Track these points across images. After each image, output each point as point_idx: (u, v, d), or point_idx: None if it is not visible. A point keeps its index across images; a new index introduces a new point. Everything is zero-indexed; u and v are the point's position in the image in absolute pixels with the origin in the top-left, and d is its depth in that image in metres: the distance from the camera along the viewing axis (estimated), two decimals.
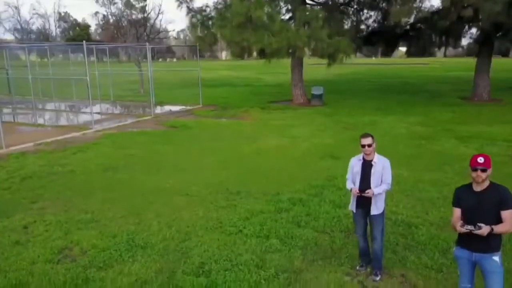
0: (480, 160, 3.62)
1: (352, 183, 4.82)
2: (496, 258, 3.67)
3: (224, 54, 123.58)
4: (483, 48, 20.11)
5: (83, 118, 17.89)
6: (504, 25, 14.92)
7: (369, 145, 4.65)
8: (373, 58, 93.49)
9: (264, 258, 5.34)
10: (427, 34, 20.09)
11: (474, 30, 21.12)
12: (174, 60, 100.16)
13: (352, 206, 4.95)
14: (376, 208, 4.75)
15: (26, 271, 5.11)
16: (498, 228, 3.54)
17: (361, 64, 60.20)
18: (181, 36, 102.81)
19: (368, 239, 5.04)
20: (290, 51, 19.47)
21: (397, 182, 8.26)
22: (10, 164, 10.08)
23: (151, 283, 4.81)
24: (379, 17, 21.21)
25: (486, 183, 3.67)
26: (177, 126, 15.04)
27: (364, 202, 4.77)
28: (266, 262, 5.26)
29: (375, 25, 21.53)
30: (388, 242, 5.74)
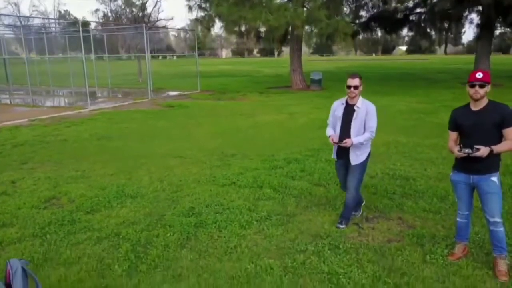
0: (479, 75, 3.36)
1: (332, 130, 4.41)
2: (495, 178, 3.46)
3: (224, 53, 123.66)
4: (483, 32, 19.93)
5: (79, 99, 17.70)
6: (504, 2, 14.70)
7: (356, 87, 4.16)
8: (373, 55, 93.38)
9: (256, 204, 5.18)
10: (427, 19, 19.86)
11: (474, 15, 20.94)
12: (174, 57, 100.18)
13: (333, 154, 4.55)
14: (356, 158, 4.32)
15: (11, 214, 4.96)
16: (499, 148, 3.34)
17: (361, 60, 60.12)
18: (181, 34, 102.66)
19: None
20: (289, 37, 19.36)
21: (395, 146, 8.15)
22: (2, 135, 9.94)
23: (139, 223, 4.65)
24: (379, 2, 21.03)
25: (485, 102, 3.43)
26: (173, 106, 14.89)
27: (342, 152, 4.39)
28: (259, 207, 5.10)
29: (375, 10, 21.32)
30: (385, 191, 5.59)
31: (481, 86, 3.36)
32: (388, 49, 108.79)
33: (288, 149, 8.01)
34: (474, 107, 3.48)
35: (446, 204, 5.09)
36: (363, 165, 4.37)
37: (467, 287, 3.36)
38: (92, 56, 20.47)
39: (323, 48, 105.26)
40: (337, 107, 4.37)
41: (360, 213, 4.84)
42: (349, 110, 4.25)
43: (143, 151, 8.15)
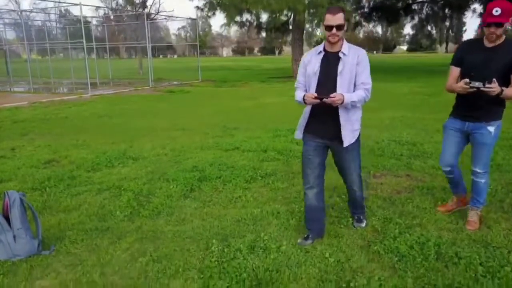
0: (496, 11, 2.81)
1: (303, 92, 2.88)
2: (491, 128, 3.06)
3: (225, 51, 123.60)
4: None
5: (80, 87, 17.55)
6: None
7: (339, 27, 2.66)
8: (375, 53, 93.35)
9: (261, 164, 5.07)
10: (429, 7, 19.74)
11: (476, 5, 20.80)
12: (175, 56, 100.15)
13: (299, 132, 3.07)
14: (351, 133, 2.85)
15: (9, 172, 4.84)
16: (509, 92, 2.86)
17: None
18: (182, 33, 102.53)
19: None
20: (290, 27, 19.22)
21: (400, 120, 8.04)
22: (1, 114, 9.82)
23: (141, 179, 4.54)
24: None
25: (501, 39, 2.95)
26: (174, 91, 14.79)
27: (324, 125, 2.88)
28: (263, 166, 4.99)
29: (377, 0, 21.21)
30: (392, 153, 5.48)
31: (498, 26, 2.86)
32: (389, 48, 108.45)
33: (292, 123, 7.84)
34: (488, 44, 3.00)
35: None
36: (359, 143, 2.99)
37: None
38: (93, 46, 20.31)
39: None
40: (311, 59, 2.85)
41: (312, 242, 3.02)
42: (330, 60, 2.79)
43: (144, 126, 8.03)
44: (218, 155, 5.53)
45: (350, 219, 3.42)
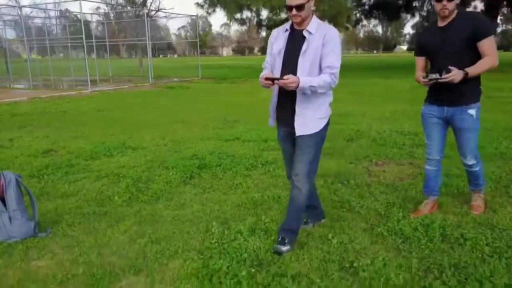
0: None
1: (270, 72, 2.66)
2: (472, 111, 2.86)
3: (225, 51, 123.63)
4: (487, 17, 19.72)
5: (80, 84, 17.48)
6: None
7: (299, 8, 2.38)
8: (375, 52, 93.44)
9: (261, 153, 5.01)
10: (430, 4, 19.66)
11: (477, 2, 20.74)
12: (175, 56, 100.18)
13: (271, 119, 2.87)
14: (310, 122, 2.53)
15: (7, 161, 4.79)
16: (476, 69, 2.71)
17: (363, 55, 60.02)
18: (182, 33, 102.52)
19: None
20: None
21: (401, 112, 7.98)
22: (0, 108, 9.76)
23: (140, 166, 4.48)
24: None
25: (453, 15, 2.78)
26: (174, 87, 14.73)
27: (284, 111, 2.65)
28: (264, 155, 4.92)
29: None
30: (394, 143, 5.42)
31: None
32: (389, 47, 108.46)
33: None
34: (441, 23, 2.84)
35: (454, 151, 4.90)
36: (321, 137, 2.62)
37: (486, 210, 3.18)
38: (93, 43, 20.24)
39: None
40: (278, 37, 2.60)
41: (312, 226, 2.95)
42: (296, 39, 2.50)
43: (144, 119, 7.98)
44: (218, 145, 5.47)
45: (353, 203, 3.36)
